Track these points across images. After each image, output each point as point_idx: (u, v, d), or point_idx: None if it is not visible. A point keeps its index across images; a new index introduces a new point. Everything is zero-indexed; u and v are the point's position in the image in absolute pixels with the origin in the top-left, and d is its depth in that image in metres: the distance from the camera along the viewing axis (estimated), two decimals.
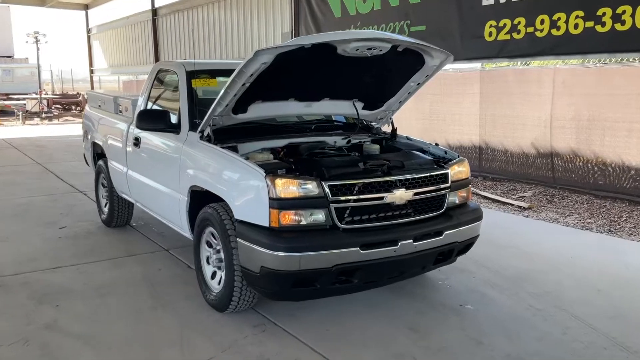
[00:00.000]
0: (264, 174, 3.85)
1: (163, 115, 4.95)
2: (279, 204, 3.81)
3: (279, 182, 3.82)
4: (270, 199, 3.80)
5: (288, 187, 3.84)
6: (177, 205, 4.88)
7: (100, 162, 6.89)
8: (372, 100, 5.29)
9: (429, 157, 4.67)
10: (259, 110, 4.76)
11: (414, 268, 4.38)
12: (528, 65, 9.52)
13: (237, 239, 4.00)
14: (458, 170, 4.61)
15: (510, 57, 7.74)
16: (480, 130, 10.27)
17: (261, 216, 3.87)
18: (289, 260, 3.75)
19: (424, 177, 4.28)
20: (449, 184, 4.44)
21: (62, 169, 11.52)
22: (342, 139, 5.16)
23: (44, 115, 25.13)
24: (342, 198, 3.92)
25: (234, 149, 4.50)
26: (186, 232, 4.91)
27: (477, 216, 4.61)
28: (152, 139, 5.38)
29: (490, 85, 10.02)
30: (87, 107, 7.79)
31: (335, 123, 5.58)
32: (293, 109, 4.97)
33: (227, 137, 4.64)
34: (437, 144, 5.05)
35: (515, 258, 5.79)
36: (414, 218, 4.22)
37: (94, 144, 7.12)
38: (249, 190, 4.00)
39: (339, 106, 5.20)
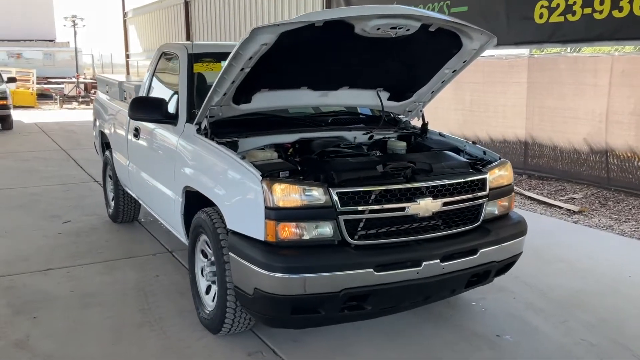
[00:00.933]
0: (260, 177, 3.20)
1: (158, 104, 4.34)
2: (277, 214, 3.16)
3: (278, 187, 3.16)
4: (266, 207, 3.16)
5: (288, 194, 3.18)
6: (173, 205, 4.29)
7: (107, 152, 6.37)
8: (400, 89, 4.56)
9: (464, 159, 3.93)
10: (265, 100, 4.10)
11: (441, 292, 3.67)
12: (581, 52, 8.59)
13: (229, 252, 3.37)
14: (499, 175, 3.86)
15: (563, 42, 6.85)
16: (526, 123, 9.39)
17: (256, 228, 3.22)
18: (287, 283, 3.10)
19: (457, 183, 3.56)
20: (487, 192, 3.70)
21: (85, 156, 11.14)
22: (364, 134, 4.47)
23: (80, 99, 25.12)
24: (355, 208, 3.24)
25: (234, 145, 3.87)
26: (182, 236, 4.32)
27: (519, 230, 3.85)
28: (151, 131, 4.79)
29: (539, 74, 9.11)
30: (97, 92, 7.29)
31: (359, 116, 4.85)
32: (306, 99, 4.29)
33: (228, 130, 4.01)
34: (474, 143, 4.29)
35: (563, 275, 5.00)
36: (443, 233, 3.51)
37: (102, 133, 6.61)
38: (242, 195, 3.36)
39: (360, 96, 4.49)
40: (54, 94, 25.85)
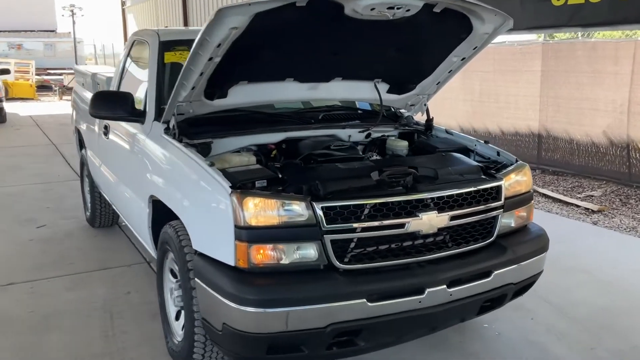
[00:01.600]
0: (229, 189, 2.65)
1: (122, 99, 3.78)
2: (250, 234, 2.61)
3: (250, 201, 2.61)
4: (236, 226, 2.61)
5: (263, 210, 2.63)
6: (140, 215, 3.75)
7: (83, 151, 5.84)
8: (400, 80, 3.99)
9: (474, 162, 3.36)
10: (244, 95, 3.54)
11: (448, 322, 3.12)
12: (600, 37, 7.95)
13: (195, 278, 2.83)
14: (516, 181, 3.30)
15: (584, 26, 6.23)
16: (540, 115, 8.77)
17: (224, 250, 2.68)
18: (261, 318, 2.56)
19: (467, 193, 2.99)
20: (502, 202, 3.13)
21: (74, 152, 10.60)
22: (360, 132, 3.90)
23: None
24: (344, 226, 2.69)
25: (205, 147, 3.32)
26: (152, 250, 3.78)
27: (540, 246, 3.29)
28: (119, 129, 4.25)
29: (555, 62, 8.49)
30: (75, 85, 6.75)
31: (357, 111, 4.26)
32: (292, 93, 3.72)
33: (201, 130, 3.46)
34: (487, 142, 3.71)
35: (586, 288, 4.43)
36: (450, 252, 2.96)
37: (77, 130, 6.07)
38: (208, 210, 2.82)
39: (355, 89, 3.91)
40: (53, 86, 25.34)
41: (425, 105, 4.16)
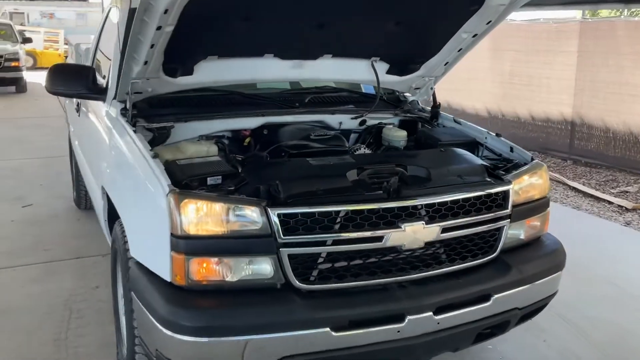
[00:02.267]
0: (167, 188, 2.17)
1: (81, 73, 3.32)
2: (188, 244, 2.15)
3: (190, 205, 2.14)
4: (172, 235, 2.14)
5: (206, 216, 2.16)
6: (99, 206, 3.34)
7: (69, 126, 5.45)
8: (403, 59, 3.44)
9: (479, 160, 2.81)
10: (215, 72, 3.05)
11: (436, 352, 2.61)
12: (638, 15, 7.20)
13: (131, 290, 2.39)
14: (529, 184, 2.75)
15: (626, 2, 5.52)
16: (574, 100, 8.05)
17: (160, 262, 2.23)
18: (197, 349, 2.11)
19: (465, 199, 2.46)
20: (509, 210, 2.59)
21: None
22: (352, 118, 3.38)
23: None
24: (305, 238, 2.20)
25: (164, 133, 2.85)
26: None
27: (554, 264, 2.75)
28: (87, 107, 3.82)
29: (593, 42, 7.73)
30: (68, 57, 6.34)
31: (355, 94, 3.70)
32: (273, 71, 3.21)
33: (165, 111, 3.01)
34: (498, 135, 3.15)
35: (611, 305, 3.86)
36: (440, 270, 2.45)
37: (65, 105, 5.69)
38: (145, 212, 2.37)
39: (349, 68, 3.38)
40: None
41: (431, 89, 3.60)
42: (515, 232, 2.69)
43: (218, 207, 2.16)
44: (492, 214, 2.54)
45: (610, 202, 6.39)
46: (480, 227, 2.51)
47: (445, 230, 2.40)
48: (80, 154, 4.30)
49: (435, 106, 3.56)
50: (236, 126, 3.10)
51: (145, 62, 2.68)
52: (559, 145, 8.19)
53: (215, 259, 2.17)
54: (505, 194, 2.59)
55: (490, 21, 3.01)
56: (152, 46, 2.56)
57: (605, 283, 4.17)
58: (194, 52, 2.89)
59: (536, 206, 2.76)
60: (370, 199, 2.31)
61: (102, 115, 3.27)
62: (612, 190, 6.91)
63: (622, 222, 5.81)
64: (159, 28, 2.44)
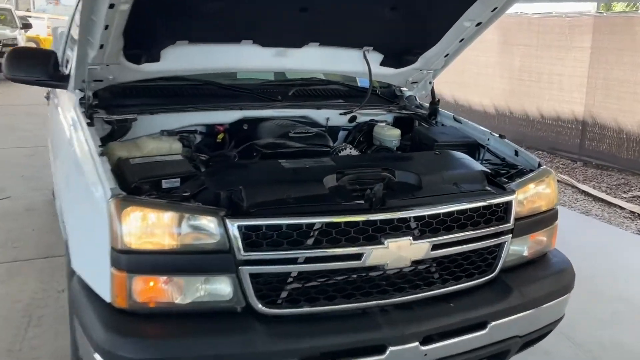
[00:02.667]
0: (109, 193, 1.85)
1: (41, 58, 3.00)
2: (131, 260, 1.83)
3: (133, 213, 1.82)
4: (113, 248, 1.81)
5: (153, 227, 1.83)
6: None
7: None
8: (398, 50, 3.11)
9: (479, 166, 2.46)
10: (186, 60, 2.74)
11: None
12: None
13: (72, 310, 2.08)
14: (535, 194, 2.41)
15: None
16: (587, 98, 7.68)
17: (100, 280, 1.91)
18: None
19: (460, 211, 2.13)
20: (511, 224, 2.26)
21: None
22: (341, 114, 3.05)
23: None
24: (269, 254, 1.87)
25: (124, 126, 2.53)
26: None
27: (562, 285, 2.41)
28: (55, 94, 3.50)
29: (607, 38, 7.34)
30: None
31: (348, 88, 3.35)
32: (252, 60, 2.88)
33: (129, 102, 2.69)
34: (502, 136, 2.81)
35: (623, 323, 3.53)
36: (429, 293, 2.12)
37: None
38: (86, 219, 2.05)
39: (338, 58, 3.05)
40: None
41: (430, 83, 3.27)
42: (517, 248, 2.37)
43: (167, 216, 1.83)
44: (492, 229, 2.21)
45: (621, 208, 6.03)
46: (477, 244, 2.18)
47: (436, 247, 2.07)
48: (50, 146, 3.99)
49: (434, 102, 3.23)
50: (209, 120, 2.79)
51: (101, 46, 2.36)
52: (569, 146, 7.82)
53: (164, 278, 1.85)
54: (508, 205, 2.25)
55: (495, 8, 2.67)
56: (106, 27, 2.23)
57: (616, 299, 3.83)
58: (160, 36, 2.57)
59: (542, 219, 2.43)
60: (349, 210, 1.98)
61: (63, 105, 2.96)
62: (624, 195, 6.54)
63: (634, 230, 5.46)
64: (111, 6, 2.11)
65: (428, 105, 3.26)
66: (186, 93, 2.86)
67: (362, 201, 2.01)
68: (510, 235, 2.27)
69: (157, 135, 2.49)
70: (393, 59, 3.12)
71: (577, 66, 7.73)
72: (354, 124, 3.11)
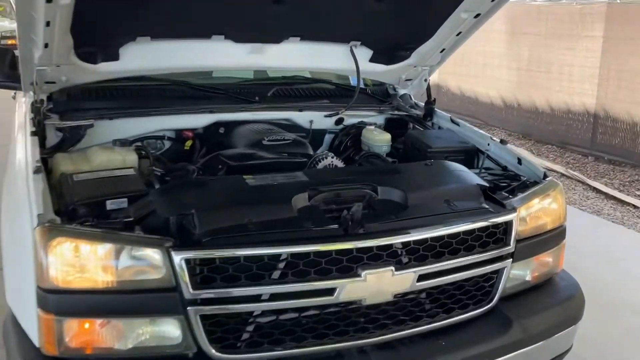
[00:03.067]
0: (35, 221, 1.57)
1: None
2: (60, 301, 1.56)
3: (62, 245, 1.54)
4: (39, 287, 1.54)
5: (86, 261, 1.55)
6: None
7: None
8: (389, 45, 2.80)
9: (476, 178, 2.15)
10: (147, 57, 2.46)
11: None
12: None
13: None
14: (540, 209, 2.12)
15: None
16: (598, 90, 7.31)
17: (29, 320, 1.64)
18: None
19: (452, 235, 1.84)
20: (511, 246, 1.96)
21: None
22: (326, 116, 2.76)
23: None
24: (224, 292, 1.60)
25: (77, 133, 2.27)
26: None
27: (570, 315, 2.12)
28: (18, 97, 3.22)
29: (620, 27, 6.97)
30: None
31: (336, 87, 3.04)
32: (225, 58, 2.58)
33: (87, 105, 2.42)
34: (504, 142, 2.50)
35: (638, 339, 3.22)
36: (415, 330, 1.83)
37: None
38: (15, 250, 1.77)
39: (322, 54, 2.75)
40: None
41: (425, 80, 2.97)
42: (519, 272, 2.08)
43: (102, 248, 1.56)
44: (489, 253, 1.92)
45: (635, 207, 5.70)
46: (471, 271, 1.90)
47: (423, 277, 1.79)
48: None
49: (430, 102, 2.93)
50: (175, 125, 2.52)
51: (46, 45, 2.08)
52: (580, 140, 7.46)
53: (100, 321, 1.58)
54: (508, 226, 1.96)
55: None
56: (47, 24, 1.95)
57: (631, 312, 3.53)
58: (116, 32, 2.29)
59: (548, 239, 2.14)
60: (320, 237, 1.69)
61: (18, 109, 2.69)
62: (638, 192, 6.21)
63: None
64: (49, 0, 1.83)
65: (424, 104, 2.96)
66: (152, 95, 2.58)
67: (336, 225, 1.72)
68: (511, 259, 1.98)
69: (109, 145, 2.21)
70: (384, 55, 2.82)
71: (589, 56, 7.36)
72: (340, 126, 2.82)
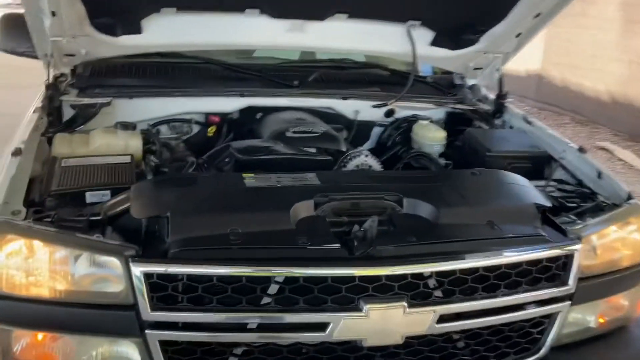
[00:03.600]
0: None
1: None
2: (9, 308, 1.36)
3: (11, 244, 1.34)
4: None
5: (39, 264, 1.34)
6: None
7: None
8: (454, 26, 2.38)
9: (536, 194, 1.72)
10: (173, 31, 2.22)
11: None
12: None
13: None
14: (617, 240, 1.68)
15: None
16: None
17: None
18: None
19: (488, 267, 1.45)
20: (570, 286, 1.54)
21: None
22: (374, 106, 2.41)
23: None
24: (190, 317, 1.32)
25: (89, 112, 2.08)
26: None
27: None
28: None
29: None
30: None
31: (396, 74, 2.66)
32: (259, 35, 2.29)
33: (109, 82, 2.24)
34: (582, 150, 2.03)
35: None
36: None
37: None
38: None
39: (374, 35, 2.37)
40: None
41: (498, 70, 2.52)
42: (580, 317, 1.66)
43: (56, 252, 1.33)
44: (539, 293, 1.52)
45: None
46: (511, 314, 1.50)
47: (445, 318, 1.42)
48: None
49: (501, 96, 2.49)
50: (202, 108, 2.28)
51: (53, 13, 1.88)
52: None
53: (53, 335, 1.36)
54: (568, 259, 1.54)
55: None
56: None
57: None
58: (137, 1, 2.06)
59: (625, 277, 1.69)
60: (315, 258, 1.37)
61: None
62: None
63: None
64: None
65: (494, 98, 2.53)
66: (180, 74, 2.35)
67: (338, 245, 1.40)
68: (569, 302, 1.56)
69: (114, 126, 1.99)
70: (447, 38, 2.41)
71: None
72: (391, 119, 2.46)
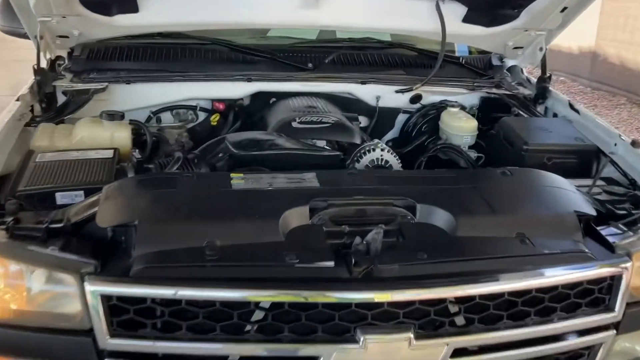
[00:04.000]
0: None
1: None
2: None
3: None
4: None
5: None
6: None
7: None
8: (491, 0, 2.09)
9: (575, 200, 1.45)
10: (174, 10, 2.02)
11: None
12: None
13: None
14: None
15: None
16: None
17: None
18: None
19: (514, 292, 1.21)
20: (616, 312, 1.28)
21: None
22: (397, 91, 2.15)
23: None
24: (157, 346, 1.13)
25: (82, 98, 1.91)
26: None
27: None
28: None
29: None
30: None
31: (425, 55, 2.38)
32: (268, 12, 2.06)
33: (105, 66, 2.07)
34: (636, 143, 1.74)
35: None
36: None
37: None
38: None
39: (397, 11, 2.11)
40: None
41: (541, 50, 2.22)
42: (629, 345, 1.39)
43: (15, 266, 1.16)
44: (578, 322, 1.26)
45: None
46: (544, 347, 1.25)
47: (460, 353, 1.19)
48: None
49: (544, 79, 2.20)
50: (204, 94, 2.08)
51: None
52: None
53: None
54: (614, 282, 1.28)
55: None
56: None
57: None
58: None
59: None
60: (304, 279, 1.16)
61: None
62: None
63: None
64: None
65: (535, 81, 2.24)
66: (183, 56, 2.15)
67: (332, 263, 1.17)
68: (614, 331, 1.30)
69: (100, 116, 1.80)
70: (482, 14, 2.13)
71: None
72: (417, 105, 2.20)
